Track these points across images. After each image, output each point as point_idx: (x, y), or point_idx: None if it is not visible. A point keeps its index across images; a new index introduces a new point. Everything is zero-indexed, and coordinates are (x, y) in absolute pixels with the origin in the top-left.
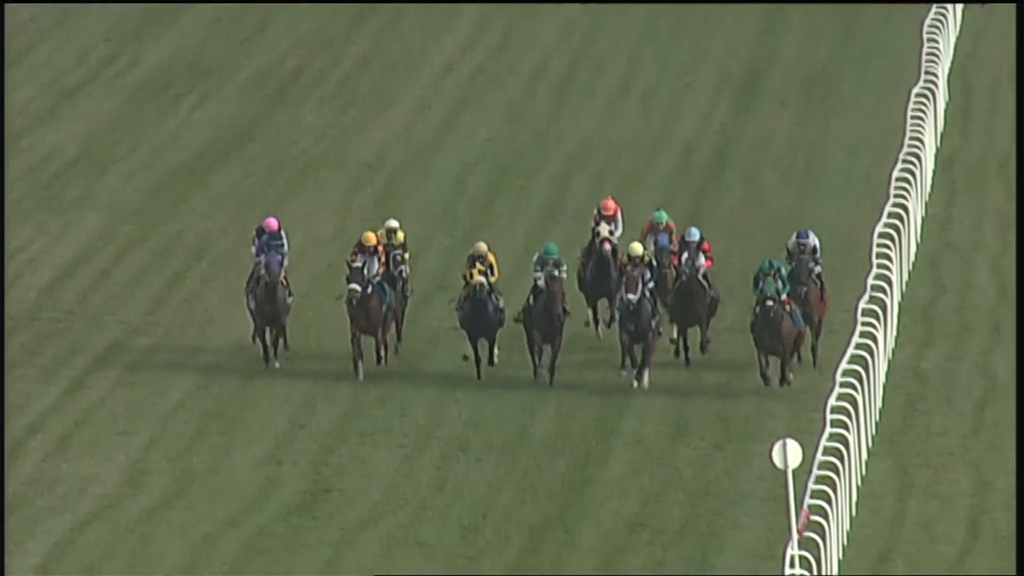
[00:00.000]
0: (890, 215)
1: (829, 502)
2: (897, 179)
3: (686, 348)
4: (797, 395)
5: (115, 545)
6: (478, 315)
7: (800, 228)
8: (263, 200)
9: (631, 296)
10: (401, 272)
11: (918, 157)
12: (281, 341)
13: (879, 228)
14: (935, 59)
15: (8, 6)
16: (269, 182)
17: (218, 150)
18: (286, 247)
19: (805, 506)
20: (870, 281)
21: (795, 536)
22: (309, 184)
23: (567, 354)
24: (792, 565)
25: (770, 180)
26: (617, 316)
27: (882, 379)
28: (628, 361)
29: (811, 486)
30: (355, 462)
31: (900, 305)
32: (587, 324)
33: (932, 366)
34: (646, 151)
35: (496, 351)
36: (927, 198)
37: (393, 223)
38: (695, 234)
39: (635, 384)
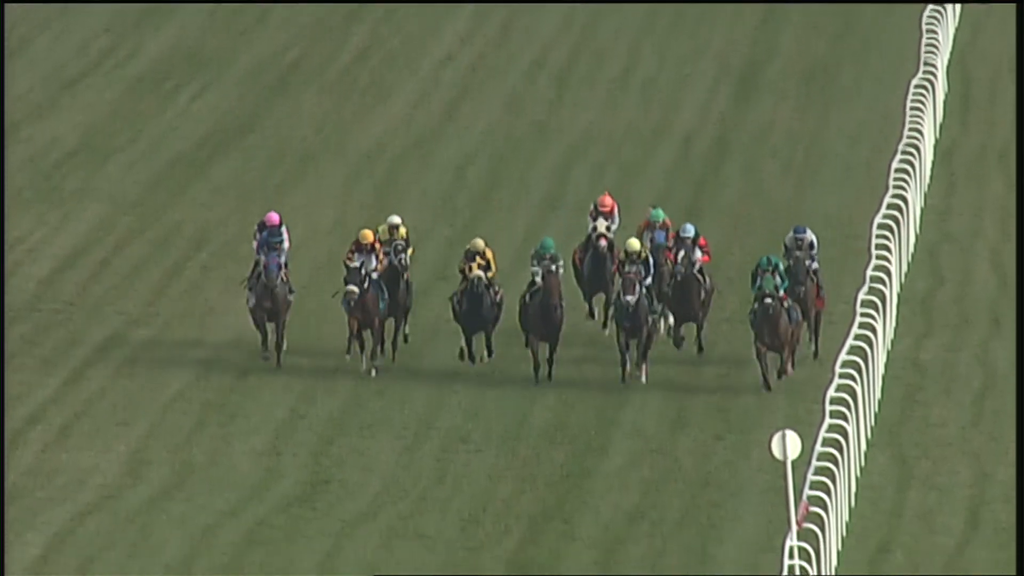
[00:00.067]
0: (889, 206)
1: (828, 493)
2: (896, 170)
3: (683, 338)
4: (796, 386)
5: (115, 536)
6: (475, 309)
7: (800, 219)
8: (263, 191)
9: (629, 298)
10: (402, 260)
11: (917, 148)
12: (282, 342)
13: (878, 219)
14: (934, 50)
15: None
16: (269, 173)
17: (218, 141)
18: (286, 243)
19: (804, 497)
20: (869, 272)
21: (794, 527)
22: (309, 174)
23: (566, 347)
24: (791, 556)
25: (770, 171)
26: (613, 316)
27: (881, 370)
28: (628, 364)
29: (810, 477)
30: (355, 453)
31: (899, 296)
32: (587, 317)
33: (931, 357)
34: (646, 142)
35: (493, 346)
36: (926, 189)
37: (395, 219)
38: (690, 230)
39: (635, 376)
